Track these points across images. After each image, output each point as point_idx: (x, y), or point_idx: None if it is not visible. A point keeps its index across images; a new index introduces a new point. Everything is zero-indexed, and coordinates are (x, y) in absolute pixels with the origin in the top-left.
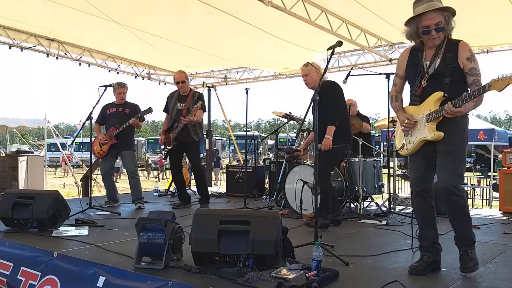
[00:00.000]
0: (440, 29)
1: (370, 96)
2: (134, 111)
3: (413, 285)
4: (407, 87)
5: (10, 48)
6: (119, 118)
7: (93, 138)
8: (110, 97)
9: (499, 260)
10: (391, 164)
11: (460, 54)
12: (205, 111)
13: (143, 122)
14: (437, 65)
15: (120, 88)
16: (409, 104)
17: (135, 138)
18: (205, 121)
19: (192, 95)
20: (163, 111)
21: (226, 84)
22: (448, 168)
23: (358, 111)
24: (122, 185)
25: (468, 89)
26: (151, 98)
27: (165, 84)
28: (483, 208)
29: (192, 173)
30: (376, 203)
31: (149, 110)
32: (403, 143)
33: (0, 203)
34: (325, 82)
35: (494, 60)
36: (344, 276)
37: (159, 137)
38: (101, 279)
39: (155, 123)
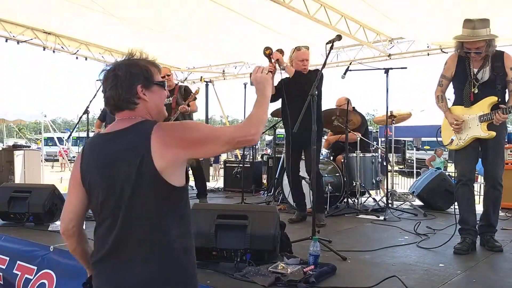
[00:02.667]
0: (479, 53)
1: (368, 91)
2: None
3: (411, 280)
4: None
5: (6, 41)
6: None
7: (91, 134)
8: None
9: (498, 256)
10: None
11: (506, 63)
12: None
13: None
14: (487, 73)
15: None
16: (454, 104)
17: None
18: (203, 116)
19: (178, 89)
20: None
21: (224, 79)
22: (497, 164)
23: (354, 107)
24: None
25: (506, 94)
26: None
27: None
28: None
29: (188, 168)
30: (373, 199)
31: None
32: (452, 139)
33: None
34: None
35: None
36: (341, 271)
37: None
38: None
39: None
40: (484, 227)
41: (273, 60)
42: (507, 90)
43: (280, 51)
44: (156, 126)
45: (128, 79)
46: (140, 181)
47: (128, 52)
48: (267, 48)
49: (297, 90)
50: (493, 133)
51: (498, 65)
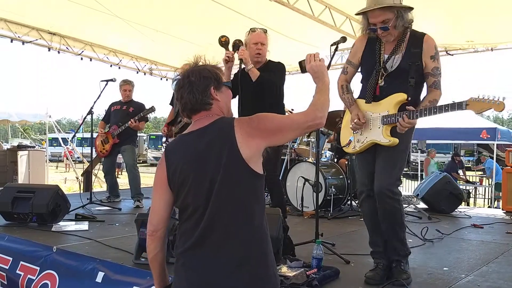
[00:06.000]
0: (386, 28)
1: None
2: (138, 111)
3: (415, 284)
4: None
5: (11, 41)
6: (122, 116)
7: (95, 135)
8: (111, 92)
9: (502, 260)
10: None
11: (425, 51)
12: None
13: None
14: (399, 61)
15: (125, 85)
16: (360, 97)
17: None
18: None
19: None
20: (170, 104)
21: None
22: (387, 172)
23: None
24: (124, 180)
25: (422, 93)
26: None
27: (166, 79)
28: (485, 207)
29: None
30: None
31: (152, 110)
32: (350, 140)
33: (0, 197)
34: (283, 65)
35: (499, 58)
36: (344, 274)
37: (161, 133)
38: (100, 275)
39: (157, 119)
40: (388, 250)
41: (230, 49)
42: (425, 86)
43: (239, 42)
44: (236, 120)
45: (202, 82)
46: (229, 171)
47: (194, 60)
48: (222, 36)
49: (250, 83)
50: (396, 140)
51: (415, 52)
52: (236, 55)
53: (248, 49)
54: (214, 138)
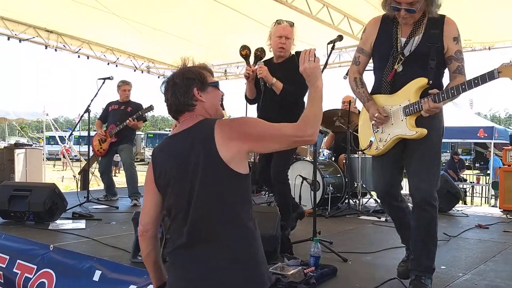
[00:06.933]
0: (412, 11)
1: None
2: (136, 111)
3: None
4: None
5: (8, 39)
6: (120, 115)
7: (93, 133)
8: (108, 90)
9: (500, 258)
10: None
11: (446, 32)
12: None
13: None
14: (418, 43)
15: (125, 85)
16: (373, 91)
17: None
18: None
19: None
20: None
21: (226, 78)
22: (425, 175)
23: (359, 110)
24: (121, 179)
25: (445, 77)
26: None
27: (164, 77)
28: (482, 206)
29: None
30: (375, 200)
31: (150, 108)
32: (371, 141)
33: None
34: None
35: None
36: (342, 272)
37: (159, 131)
38: (97, 273)
39: (155, 118)
40: (412, 262)
41: (251, 63)
42: (446, 71)
43: (260, 53)
44: (217, 122)
45: (185, 84)
46: (208, 172)
47: (182, 62)
48: (243, 48)
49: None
50: (424, 131)
51: (435, 33)
52: (256, 66)
53: (272, 41)
54: (195, 140)
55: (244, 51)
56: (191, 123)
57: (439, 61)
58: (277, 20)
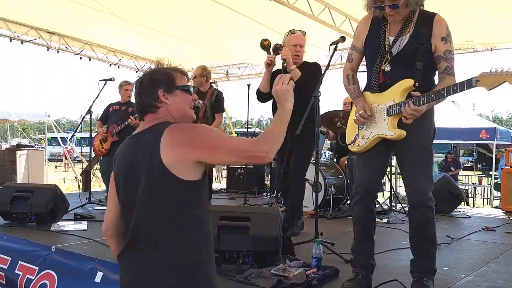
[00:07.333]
0: (395, 6)
1: None
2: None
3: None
4: None
5: (10, 41)
6: (121, 115)
7: (94, 134)
8: (110, 92)
9: (502, 260)
10: (392, 162)
11: (435, 31)
12: (223, 112)
13: None
14: (405, 43)
15: (127, 85)
16: (365, 89)
17: None
18: None
19: (211, 93)
20: None
21: (228, 79)
22: (417, 177)
23: None
24: None
25: (435, 78)
26: None
27: None
28: (484, 207)
29: None
30: (377, 201)
31: None
32: (355, 137)
33: None
34: (319, 66)
35: (499, 58)
36: (344, 274)
37: None
38: (99, 275)
39: None
40: (412, 264)
41: (271, 53)
42: (437, 72)
43: (280, 46)
44: (169, 126)
45: (150, 85)
46: (151, 177)
47: (156, 61)
48: (265, 40)
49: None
50: (403, 133)
51: (423, 32)
52: (277, 57)
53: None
54: (145, 142)
55: (266, 42)
56: (148, 125)
57: (428, 61)
58: (290, 30)
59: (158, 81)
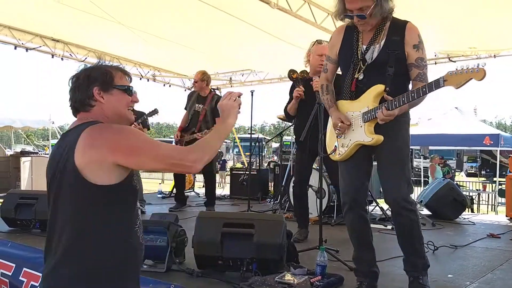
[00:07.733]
0: (363, 16)
1: None
2: (139, 118)
3: None
4: None
5: (15, 48)
6: None
7: None
8: None
9: (507, 267)
10: None
11: (408, 39)
12: None
13: (150, 125)
14: (379, 51)
15: None
16: (340, 97)
17: None
18: None
19: (211, 98)
20: (184, 108)
21: (231, 86)
22: (395, 181)
23: None
24: None
25: (410, 86)
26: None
27: (170, 86)
28: (488, 213)
29: (195, 176)
30: (381, 208)
31: (155, 112)
32: (335, 146)
33: (3, 203)
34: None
35: (502, 65)
36: (349, 281)
37: (164, 138)
38: None
39: (160, 125)
40: (405, 264)
41: (299, 84)
42: (411, 80)
43: (306, 75)
44: (91, 126)
45: (86, 81)
46: (63, 178)
47: (97, 57)
48: (293, 72)
49: (308, 95)
50: (380, 138)
51: (395, 40)
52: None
53: (312, 58)
54: (68, 142)
55: (295, 75)
56: (76, 124)
57: (401, 68)
58: (317, 40)
59: (95, 78)
